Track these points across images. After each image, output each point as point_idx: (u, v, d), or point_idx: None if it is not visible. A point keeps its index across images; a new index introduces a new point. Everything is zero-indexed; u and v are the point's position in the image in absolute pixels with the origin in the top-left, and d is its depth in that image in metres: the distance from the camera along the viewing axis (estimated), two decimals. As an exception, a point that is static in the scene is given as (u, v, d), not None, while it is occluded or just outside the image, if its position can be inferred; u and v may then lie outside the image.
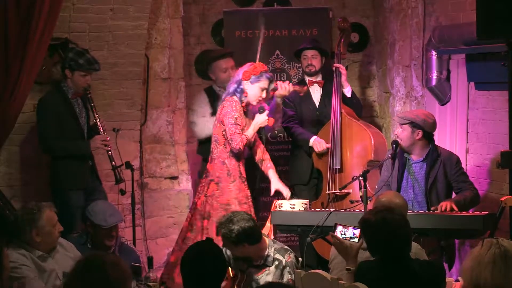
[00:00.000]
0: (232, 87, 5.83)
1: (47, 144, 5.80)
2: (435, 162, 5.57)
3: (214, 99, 6.55)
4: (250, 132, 5.76)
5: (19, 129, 5.94)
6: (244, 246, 4.65)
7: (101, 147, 5.86)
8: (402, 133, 5.60)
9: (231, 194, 5.75)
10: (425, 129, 5.57)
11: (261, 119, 5.75)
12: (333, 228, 4.19)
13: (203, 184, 5.85)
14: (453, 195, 5.63)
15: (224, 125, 5.75)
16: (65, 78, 5.82)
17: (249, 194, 5.83)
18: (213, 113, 6.43)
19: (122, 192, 6.01)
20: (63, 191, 5.81)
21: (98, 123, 5.87)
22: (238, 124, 5.71)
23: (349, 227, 4.13)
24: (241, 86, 5.78)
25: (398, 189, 5.57)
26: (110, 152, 5.85)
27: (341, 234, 4.12)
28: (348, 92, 6.46)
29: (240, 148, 5.70)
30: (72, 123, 5.84)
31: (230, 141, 5.71)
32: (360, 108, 6.69)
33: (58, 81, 5.92)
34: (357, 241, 4.08)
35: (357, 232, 4.08)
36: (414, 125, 5.56)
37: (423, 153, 5.61)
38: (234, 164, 5.78)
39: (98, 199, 5.62)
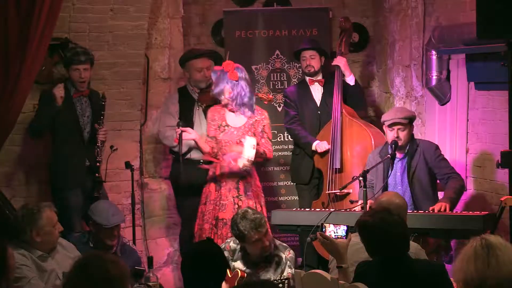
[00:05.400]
0: (242, 94, 5.87)
1: (31, 126, 5.90)
2: (415, 152, 5.63)
3: (186, 99, 6.45)
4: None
5: (19, 129, 5.94)
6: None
7: None
8: (403, 132, 5.60)
9: None
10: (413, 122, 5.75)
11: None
12: (320, 228, 4.21)
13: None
14: (440, 194, 5.66)
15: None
16: (69, 77, 5.93)
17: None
18: (181, 112, 6.38)
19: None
20: (59, 190, 5.86)
21: (98, 134, 5.90)
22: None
23: (341, 225, 4.14)
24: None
25: (386, 188, 5.58)
26: (98, 144, 5.89)
27: (334, 233, 4.13)
28: (351, 81, 6.43)
29: None
30: (70, 120, 5.88)
31: None
32: (363, 96, 6.68)
33: (66, 79, 5.99)
34: (345, 238, 4.11)
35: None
36: (412, 121, 5.65)
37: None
38: None
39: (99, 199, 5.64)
